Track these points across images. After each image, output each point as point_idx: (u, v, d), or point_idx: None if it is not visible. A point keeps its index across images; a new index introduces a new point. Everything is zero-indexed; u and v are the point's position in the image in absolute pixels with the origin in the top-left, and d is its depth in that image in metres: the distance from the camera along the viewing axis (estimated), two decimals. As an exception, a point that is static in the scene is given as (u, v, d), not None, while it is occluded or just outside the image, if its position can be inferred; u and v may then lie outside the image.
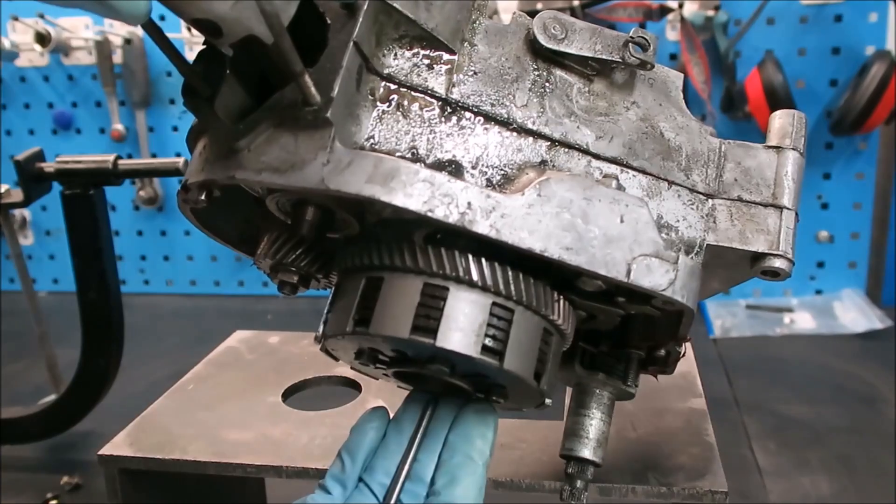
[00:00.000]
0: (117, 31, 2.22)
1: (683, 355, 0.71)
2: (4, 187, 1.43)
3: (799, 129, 0.64)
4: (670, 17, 1.99)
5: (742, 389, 1.69)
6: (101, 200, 1.37)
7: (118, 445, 0.84)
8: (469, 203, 0.52)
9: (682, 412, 0.84)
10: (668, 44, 2.04)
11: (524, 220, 0.53)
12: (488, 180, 0.57)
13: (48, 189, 1.42)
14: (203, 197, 0.58)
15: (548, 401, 0.60)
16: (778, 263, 0.60)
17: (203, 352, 1.08)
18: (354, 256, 0.57)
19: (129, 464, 0.82)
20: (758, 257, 0.60)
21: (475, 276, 0.54)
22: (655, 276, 0.55)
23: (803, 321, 2.03)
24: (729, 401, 1.64)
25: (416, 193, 0.52)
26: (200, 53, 0.55)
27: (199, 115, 0.54)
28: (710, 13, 1.94)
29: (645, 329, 0.67)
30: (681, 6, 1.96)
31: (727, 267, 0.63)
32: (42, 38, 2.18)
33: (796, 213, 0.62)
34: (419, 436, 0.59)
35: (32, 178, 1.37)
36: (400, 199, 0.51)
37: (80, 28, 2.25)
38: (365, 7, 0.54)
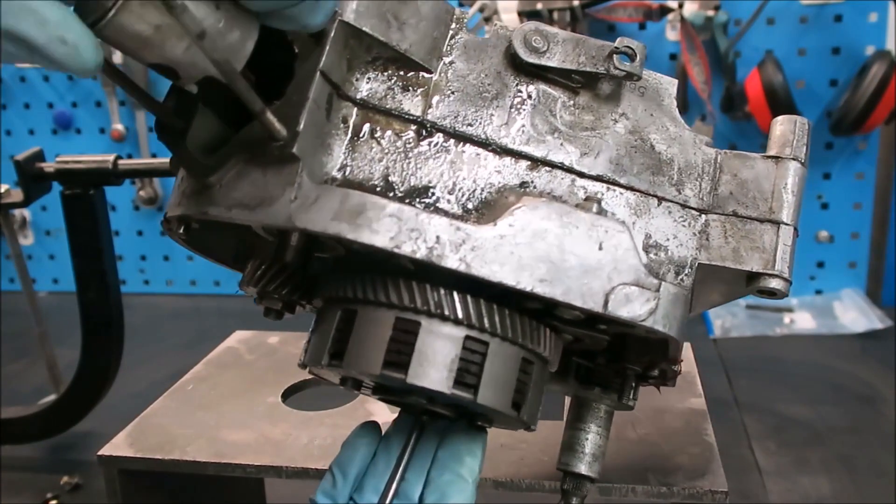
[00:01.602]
0: (117, 31, 2.22)
1: (680, 372, 0.69)
2: (4, 187, 1.43)
3: (801, 138, 0.61)
4: (670, 17, 1.99)
5: (742, 389, 1.68)
6: (101, 200, 1.37)
7: (118, 446, 0.83)
8: (437, 237, 0.51)
9: (682, 412, 0.84)
10: (668, 44, 2.04)
11: (496, 252, 0.51)
12: (464, 206, 0.55)
13: (48, 189, 1.42)
14: (182, 231, 0.58)
15: (534, 427, 0.60)
16: (773, 284, 0.57)
17: (203, 352, 1.08)
18: (332, 288, 0.57)
19: (128, 464, 0.82)
20: (753, 276, 0.58)
21: (447, 310, 0.53)
22: (634, 306, 0.53)
23: (803, 321, 2.03)
24: (729, 401, 1.64)
25: (382, 230, 0.50)
26: (172, 87, 0.54)
27: (172, 150, 0.54)
28: (710, 13, 1.94)
29: (640, 346, 0.66)
30: (681, 6, 1.96)
31: (724, 282, 0.61)
32: (42, 38, 2.18)
33: (795, 229, 0.59)
34: (407, 455, 0.59)
35: (32, 178, 1.37)
36: (366, 237, 0.50)
37: (80, 28, 2.25)
38: (332, 34, 0.52)
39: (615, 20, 1.99)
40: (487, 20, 1.93)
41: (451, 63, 0.57)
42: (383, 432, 0.62)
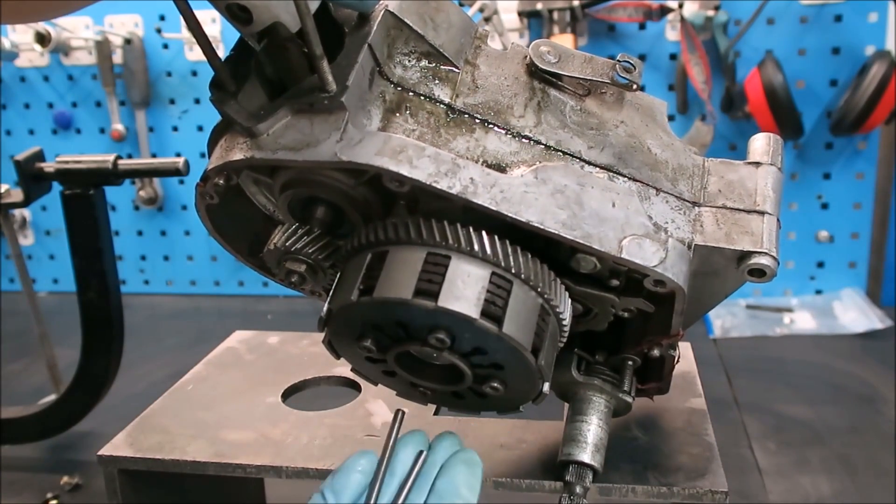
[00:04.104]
0: (117, 31, 2.22)
1: (678, 361, 0.71)
2: (4, 187, 1.43)
3: (776, 149, 0.68)
4: (670, 17, 1.99)
5: (742, 389, 1.68)
6: (101, 200, 1.37)
7: (118, 445, 0.84)
8: (472, 178, 0.57)
9: (682, 412, 0.84)
10: (668, 44, 2.04)
11: (522, 197, 0.57)
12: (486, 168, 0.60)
13: (48, 189, 1.42)
14: (221, 182, 0.62)
15: (545, 386, 0.61)
16: (763, 260, 0.61)
17: (203, 352, 1.08)
18: (361, 236, 0.60)
19: (128, 464, 0.82)
20: (744, 256, 0.62)
21: (476, 247, 0.56)
22: (646, 254, 0.58)
23: (803, 321, 2.03)
24: (729, 401, 1.64)
25: (422, 166, 0.56)
26: (227, 58, 0.60)
27: (223, 106, 0.58)
28: (710, 13, 1.94)
29: (638, 331, 0.68)
30: (681, 6, 1.96)
31: (715, 275, 0.65)
32: (42, 38, 2.18)
33: (778, 219, 0.64)
34: (410, 482, 0.59)
35: (32, 178, 1.36)
36: (406, 170, 0.56)
37: (80, 28, 2.25)
38: (379, 18, 0.60)
39: (615, 20, 1.99)
40: (487, 20, 1.93)
41: (474, 65, 0.65)
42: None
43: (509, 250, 0.57)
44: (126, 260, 2.45)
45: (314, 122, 0.57)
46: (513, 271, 0.57)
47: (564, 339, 0.64)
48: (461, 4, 1.97)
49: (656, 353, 0.69)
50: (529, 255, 0.58)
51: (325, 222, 0.64)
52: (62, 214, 1.36)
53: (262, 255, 0.66)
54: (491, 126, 0.62)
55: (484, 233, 0.57)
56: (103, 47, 2.22)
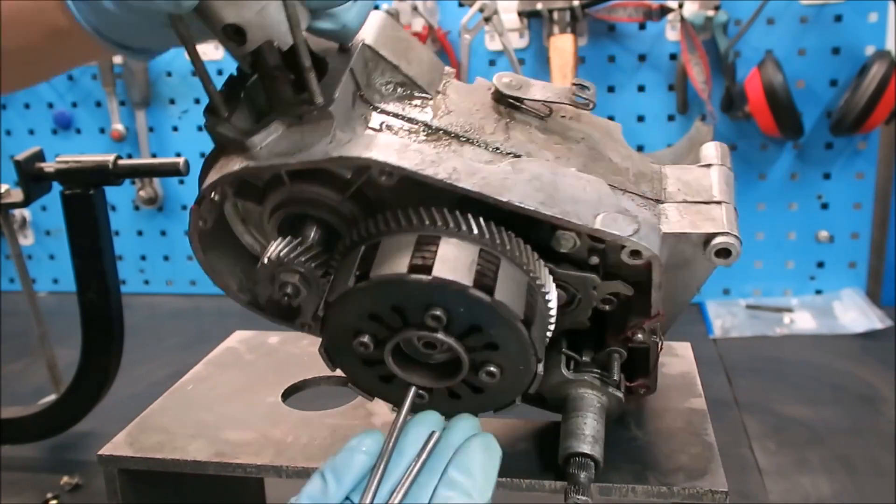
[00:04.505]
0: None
1: (661, 349, 0.73)
2: (4, 187, 1.43)
3: (725, 154, 0.74)
4: (670, 17, 1.99)
5: (742, 389, 1.69)
6: (101, 200, 1.37)
7: (118, 445, 0.84)
8: (454, 167, 0.62)
9: (682, 412, 0.84)
10: (668, 44, 2.04)
11: (502, 182, 0.62)
12: None
13: (48, 189, 1.42)
14: (217, 197, 0.65)
15: (540, 367, 0.63)
16: (727, 240, 0.65)
17: (203, 352, 1.08)
18: (353, 233, 0.64)
19: (128, 464, 0.82)
20: (709, 239, 0.65)
21: (463, 227, 0.60)
22: (621, 225, 0.62)
23: (803, 321, 2.03)
24: (729, 401, 1.64)
25: (408, 157, 0.61)
26: (221, 88, 0.64)
27: (217, 128, 0.62)
28: (710, 13, 1.94)
29: (621, 320, 0.71)
30: (681, 6, 1.96)
31: (686, 265, 0.68)
32: (42, 38, 2.18)
33: (734, 208, 0.69)
34: (419, 464, 0.56)
35: (32, 178, 1.36)
36: (394, 159, 0.61)
37: (80, 28, 2.25)
38: (358, 49, 0.66)
39: (615, 20, 1.99)
40: (487, 20, 1.93)
41: (445, 95, 0.71)
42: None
43: (494, 230, 0.61)
44: (126, 260, 2.45)
45: (304, 132, 0.62)
46: (499, 250, 0.61)
47: (552, 326, 0.66)
48: (461, 5, 1.97)
49: (640, 337, 0.70)
50: (513, 236, 0.62)
51: (317, 241, 0.67)
52: (62, 214, 1.36)
53: (257, 268, 0.67)
54: (467, 141, 0.67)
55: (470, 215, 0.61)
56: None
